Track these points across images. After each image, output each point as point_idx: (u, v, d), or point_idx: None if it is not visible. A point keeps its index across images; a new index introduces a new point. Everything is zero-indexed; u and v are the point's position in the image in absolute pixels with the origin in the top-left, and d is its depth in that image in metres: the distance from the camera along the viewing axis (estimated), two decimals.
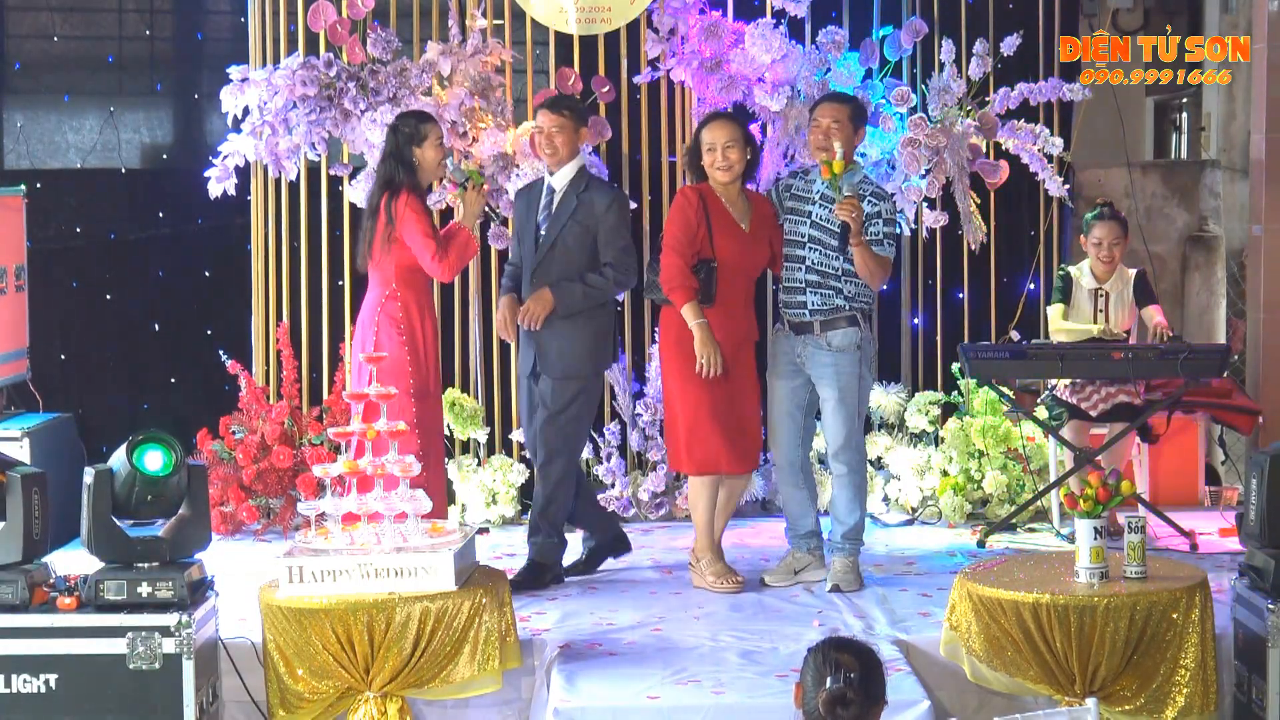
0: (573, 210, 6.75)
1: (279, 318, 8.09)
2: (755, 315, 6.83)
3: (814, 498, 6.85)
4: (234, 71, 7.80)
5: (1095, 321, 7.52)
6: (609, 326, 6.96)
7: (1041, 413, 7.67)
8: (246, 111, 7.79)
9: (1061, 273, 7.68)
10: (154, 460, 5.48)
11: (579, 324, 6.77)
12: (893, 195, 7.27)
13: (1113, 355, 7.23)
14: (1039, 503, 7.76)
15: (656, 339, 7.37)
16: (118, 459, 5.50)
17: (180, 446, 5.54)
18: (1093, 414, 7.48)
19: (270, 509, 7.78)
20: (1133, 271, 7.61)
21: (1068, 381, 7.49)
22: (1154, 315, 7.49)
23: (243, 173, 7.90)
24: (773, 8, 8.10)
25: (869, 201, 6.54)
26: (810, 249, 6.60)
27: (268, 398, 7.95)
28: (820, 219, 6.59)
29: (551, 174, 6.83)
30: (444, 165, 6.90)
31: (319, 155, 7.91)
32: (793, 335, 6.67)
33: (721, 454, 6.63)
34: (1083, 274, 7.59)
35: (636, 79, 8.12)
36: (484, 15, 7.93)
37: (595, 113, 7.99)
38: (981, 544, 7.39)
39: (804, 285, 6.61)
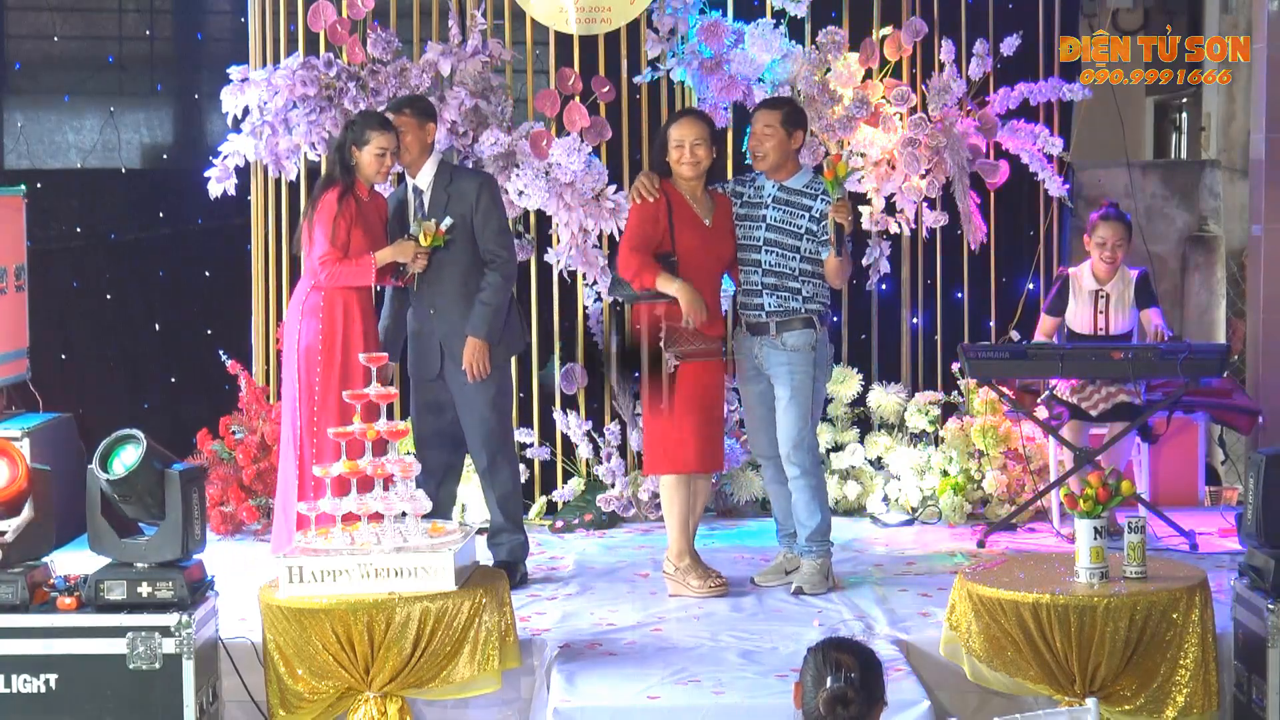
0: (444, 206, 6.69)
1: (279, 318, 8.08)
2: (722, 315, 6.75)
3: None
4: (234, 71, 7.80)
5: (1095, 322, 7.51)
6: (507, 310, 6.85)
7: (1041, 413, 7.67)
8: (246, 111, 7.79)
9: (1060, 278, 7.63)
10: (119, 461, 5.45)
11: None
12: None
13: (1113, 355, 7.23)
14: (1039, 503, 7.76)
15: None
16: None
17: (147, 442, 5.46)
18: (1093, 414, 7.48)
19: (270, 509, 7.77)
20: (1135, 272, 7.59)
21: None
22: (1152, 319, 7.48)
23: (243, 173, 7.90)
24: (773, 8, 8.11)
25: (823, 199, 6.53)
26: (766, 251, 6.59)
27: (268, 398, 7.95)
28: (775, 221, 6.58)
29: (413, 177, 6.77)
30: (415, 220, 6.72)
31: (319, 155, 7.90)
32: (750, 336, 6.66)
33: (692, 453, 6.58)
34: (1083, 274, 7.58)
35: (636, 79, 8.12)
36: (484, 15, 7.93)
37: (595, 113, 8.00)
38: (981, 544, 7.39)
39: (760, 288, 6.60)
